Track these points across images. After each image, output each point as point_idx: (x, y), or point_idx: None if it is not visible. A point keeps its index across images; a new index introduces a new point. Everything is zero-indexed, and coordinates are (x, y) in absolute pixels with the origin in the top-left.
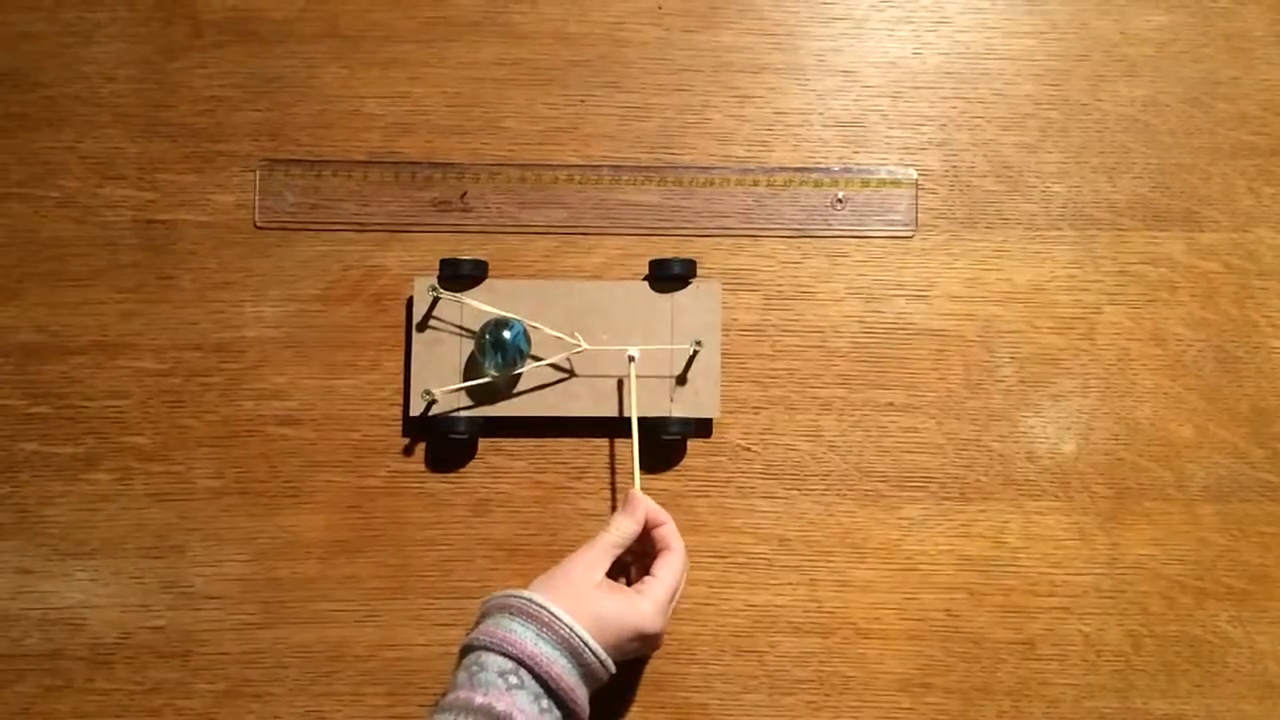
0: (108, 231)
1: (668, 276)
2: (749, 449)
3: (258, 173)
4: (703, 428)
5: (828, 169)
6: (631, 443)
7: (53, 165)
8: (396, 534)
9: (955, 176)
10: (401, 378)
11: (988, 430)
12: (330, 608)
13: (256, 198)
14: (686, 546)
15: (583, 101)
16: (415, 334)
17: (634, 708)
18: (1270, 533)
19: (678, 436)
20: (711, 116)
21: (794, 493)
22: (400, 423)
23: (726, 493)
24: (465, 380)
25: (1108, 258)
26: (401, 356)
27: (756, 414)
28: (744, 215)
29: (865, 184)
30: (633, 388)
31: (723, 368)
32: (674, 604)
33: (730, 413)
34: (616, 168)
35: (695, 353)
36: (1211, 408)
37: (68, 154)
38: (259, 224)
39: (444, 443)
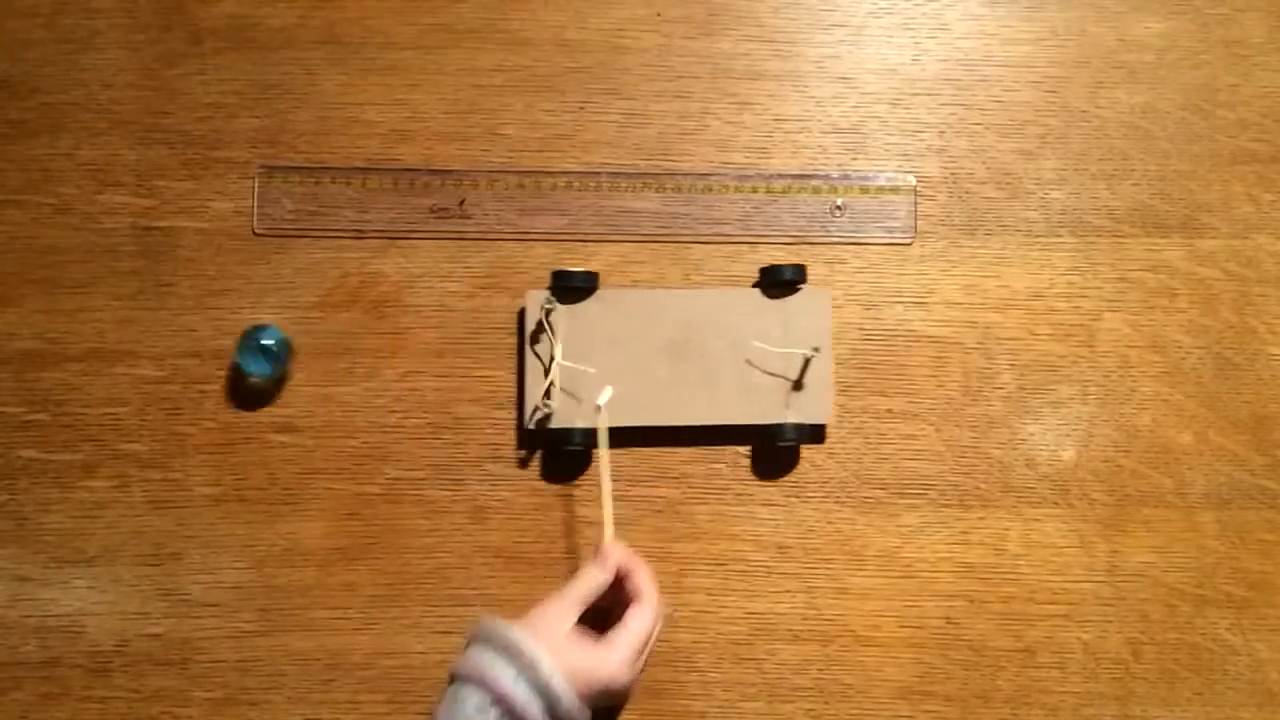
0: (106, 238)
1: (779, 283)
2: (748, 456)
3: (256, 179)
4: (816, 433)
5: (827, 176)
6: (602, 491)
7: (51, 172)
8: (394, 541)
9: (954, 183)
10: (401, 386)
11: (987, 437)
12: (328, 615)
13: (255, 204)
14: (686, 554)
15: (582, 108)
16: (528, 347)
17: (632, 715)
18: (1270, 540)
19: (793, 442)
20: (710, 123)
21: (793, 500)
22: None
23: (725, 500)
24: (557, 390)
25: (1107, 265)
26: (399, 363)
27: None
28: (743, 222)
29: (864, 191)
30: (603, 438)
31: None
32: (646, 655)
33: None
34: (615, 174)
35: (809, 358)
36: (1211, 414)
37: (66, 161)
38: (257, 231)
39: (559, 455)
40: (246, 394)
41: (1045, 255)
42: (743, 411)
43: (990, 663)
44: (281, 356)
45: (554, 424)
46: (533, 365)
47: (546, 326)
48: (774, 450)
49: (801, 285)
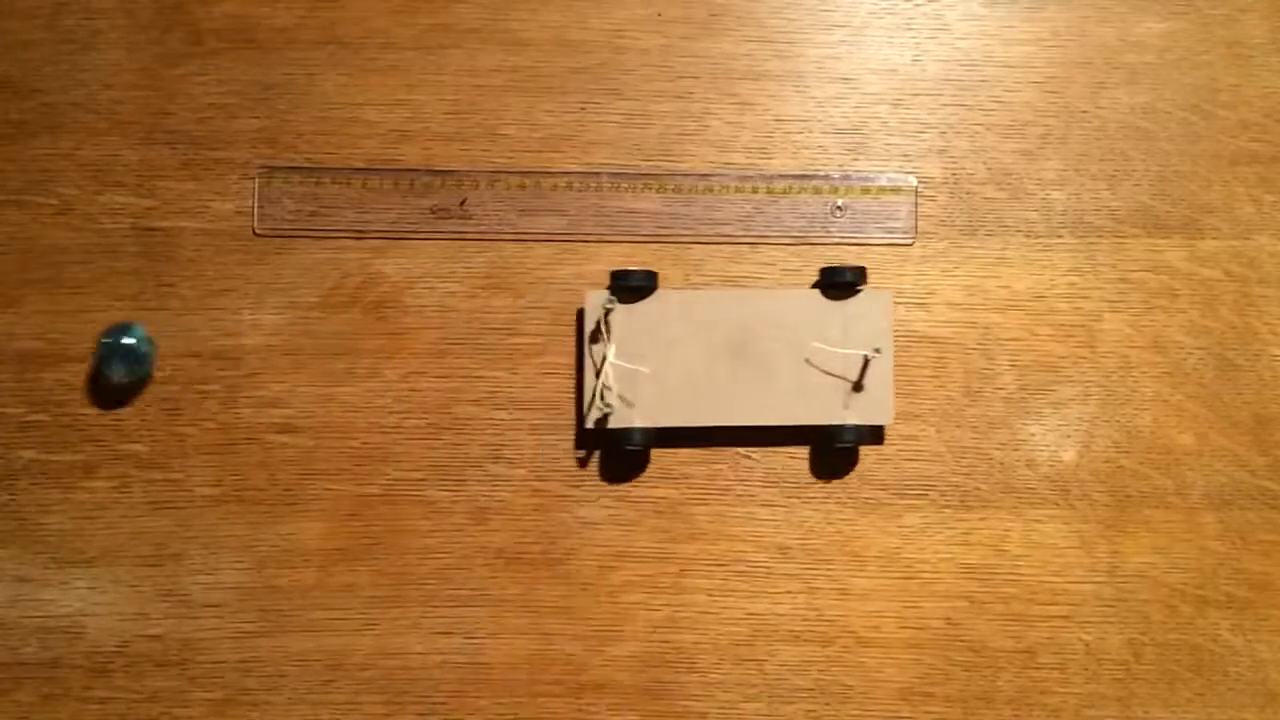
0: (106, 239)
1: (839, 284)
2: (749, 456)
3: (257, 180)
4: (875, 435)
5: (827, 176)
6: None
7: (51, 172)
8: (394, 542)
9: (955, 184)
10: (402, 386)
11: (988, 438)
12: (328, 616)
13: (255, 205)
14: (686, 554)
15: (582, 109)
16: (587, 347)
17: (632, 716)
18: (1271, 541)
19: (852, 444)
20: (711, 123)
21: (793, 500)
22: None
23: (726, 500)
24: (615, 390)
25: (1108, 265)
26: (400, 364)
27: None
28: (744, 222)
29: (865, 191)
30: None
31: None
32: None
33: None
34: (616, 175)
35: (869, 359)
36: (1212, 415)
37: (66, 161)
38: (258, 231)
39: (619, 455)
40: (104, 396)
41: (1046, 256)
42: (801, 412)
43: (991, 664)
44: (145, 360)
45: (613, 424)
46: (591, 366)
47: (604, 327)
48: (832, 451)
49: (862, 287)
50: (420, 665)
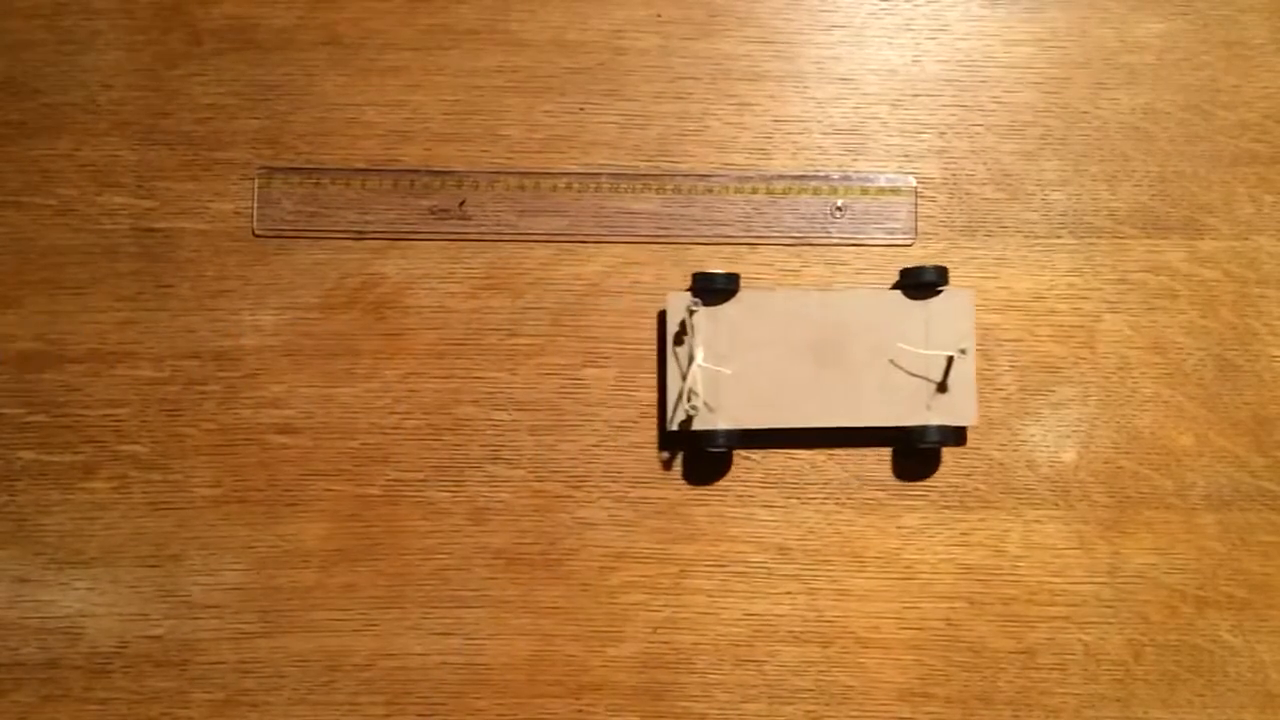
0: (106, 240)
1: (920, 284)
2: (748, 457)
3: (256, 180)
4: (958, 435)
5: (827, 177)
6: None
7: (50, 173)
8: (394, 543)
9: (954, 184)
10: (401, 387)
11: (987, 439)
12: (328, 617)
13: (255, 206)
14: (685, 555)
15: (582, 109)
16: (669, 349)
17: (632, 718)
18: (1271, 541)
19: (936, 444)
20: (710, 124)
21: (793, 501)
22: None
23: (726, 501)
24: (701, 392)
25: (1107, 266)
26: (399, 364)
27: None
28: (743, 223)
29: (865, 192)
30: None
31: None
32: None
33: None
34: (615, 176)
35: (953, 359)
36: (1212, 416)
37: (66, 162)
38: (257, 232)
39: (701, 456)
40: None
41: (1046, 256)
42: (884, 414)
43: (991, 664)
44: None
45: (696, 425)
46: (674, 368)
47: (689, 329)
48: (914, 452)
49: (943, 287)
50: (420, 666)
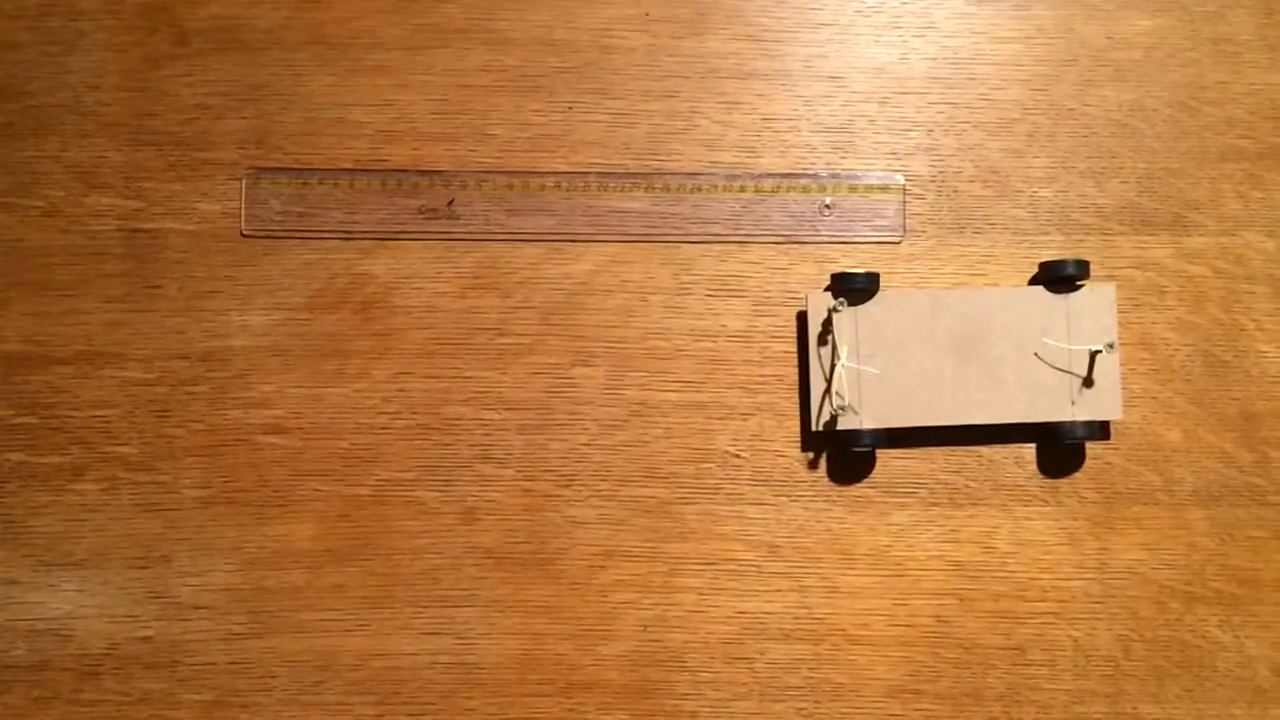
0: (93, 241)
1: (1061, 278)
2: (738, 455)
3: (244, 181)
4: (1103, 430)
5: (815, 175)
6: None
7: (37, 174)
8: (384, 543)
9: (942, 182)
10: (391, 387)
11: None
12: (318, 617)
13: (243, 206)
14: (675, 553)
15: (570, 108)
16: (812, 349)
17: (622, 716)
18: (1259, 536)
19: (1082, 440)
20: (699, 123)
21: (783, 499)
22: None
23: (715, 499)
24: (836, 391)
25: (1095, 262)
26: (388, 364)
27: (745, 420)
28: (732, 221)
29: (853, 190)
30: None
31: (709, 374)
32: None
33: (719, 419)
34: (604, 174)
35: (1097, 354)
36: (1200, 412)
37: (52, 163)
38: (245, 232)
39: (846, 456)
40: None
41: (1034, 253)
42: (1028, 410)
43: (981, 660)
44: None
45: (841, 425)
46: (817, 367)
47: (834, 328)
48: (1059, 448)
49: (1084, 281)
50: (410, 666)
